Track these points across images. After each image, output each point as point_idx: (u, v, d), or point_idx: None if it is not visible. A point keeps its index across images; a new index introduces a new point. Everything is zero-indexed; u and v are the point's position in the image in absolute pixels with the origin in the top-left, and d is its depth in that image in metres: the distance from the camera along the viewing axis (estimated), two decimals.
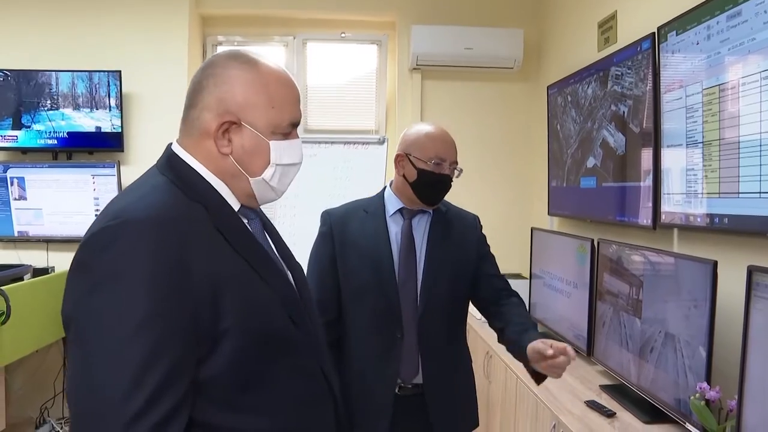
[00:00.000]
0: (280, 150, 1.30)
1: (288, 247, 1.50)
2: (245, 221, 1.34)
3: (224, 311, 1.14)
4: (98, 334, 1.05)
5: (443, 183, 2.22)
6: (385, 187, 2.39)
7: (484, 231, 2.45)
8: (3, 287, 3.13)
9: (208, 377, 1.14)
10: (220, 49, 5.07)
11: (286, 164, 1.32)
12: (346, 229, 2.28)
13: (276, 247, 1.44)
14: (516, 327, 2.13)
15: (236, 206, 1.32)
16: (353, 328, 2.24)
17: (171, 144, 1.34)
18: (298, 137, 1.37)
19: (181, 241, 1.12)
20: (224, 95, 1.26)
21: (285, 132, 1.32)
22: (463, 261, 2.29)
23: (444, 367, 2.24)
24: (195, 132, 1.29)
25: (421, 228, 2.28)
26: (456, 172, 2.24)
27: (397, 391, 2.20)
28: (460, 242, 2.29)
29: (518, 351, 2.06)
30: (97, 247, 1.09)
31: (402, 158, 2.26)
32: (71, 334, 1.09)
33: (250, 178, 1.30)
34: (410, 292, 2.20)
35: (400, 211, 2.29)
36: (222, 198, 1.29)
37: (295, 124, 1.35)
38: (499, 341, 2.26)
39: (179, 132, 1.33)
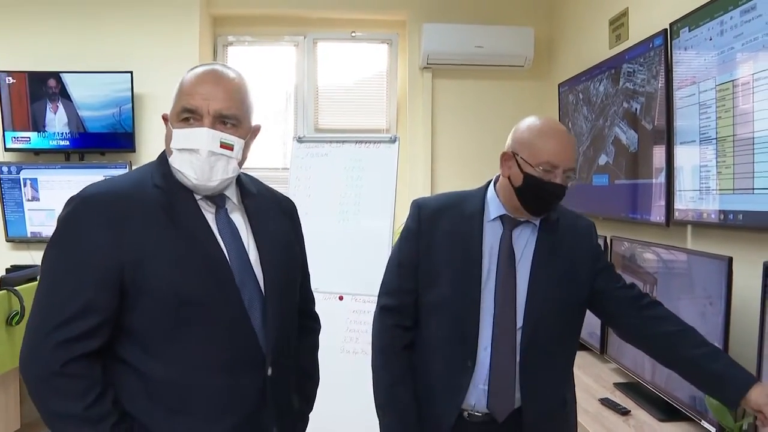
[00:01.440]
0: (175, 136, 1.50)
1: (278, 232, 1.66)
2: (209, 208, 1.54)
3: (148, 273, 1.42)
4: (45, 275, 1.45)
5: (554, 194, 1.80)
6: (488, 184, 1.99)
7: None
8: (17, 287, 3.14)
9: (135, 325, 1.44)
10: (231, 50, 5.11)
11: (180, 149, 1.48)
12: (436, 228, 1.91)
13: (258, 238, 1.59)
14: (699, 350, 1.80)
15: (198, 194, 1.53)
16: (423, 342, 1.92)
17: None
18: (204, 126, 1.48)
19: (120, 214, 1.43)
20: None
21: (182, 119, 1.49)
22: (574, 284, 1.88)
23: (552, 399, 1.89)
24: None
25: (523, 241, 1.88)
26: (570, 181, 1.82)
27: (466, 416, 1.87)
28: (571, 261, 1.88)
29: (717, 385, 1.78)
30: (64, 209, 1.46)
31: (509, 158, 1.85)
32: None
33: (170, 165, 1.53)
34: (506, 320, 1.83)
35: (501, 218, 1.89)
36: (183, 186, 1.52)
37: (189, 110, 1.48)
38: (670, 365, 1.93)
39: None
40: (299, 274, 1.76)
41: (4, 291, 3.08)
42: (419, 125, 4.88)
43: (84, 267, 1.41)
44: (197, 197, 1.53)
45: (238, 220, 1.59)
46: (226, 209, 1.57)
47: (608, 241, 3.23)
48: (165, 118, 1.55)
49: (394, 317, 1.94)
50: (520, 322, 1.83)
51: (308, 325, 1.88)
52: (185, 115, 1.49)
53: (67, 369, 1.37)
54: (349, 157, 4.12)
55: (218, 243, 1.51)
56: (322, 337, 3.87)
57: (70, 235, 1.44)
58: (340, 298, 3.74)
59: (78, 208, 1.45)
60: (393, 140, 4.09)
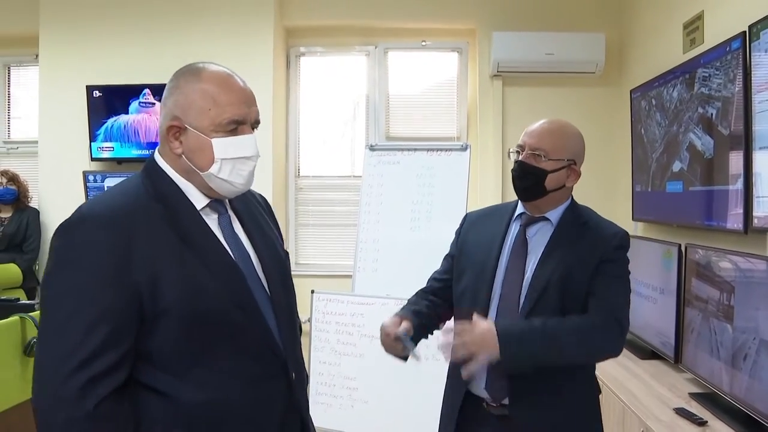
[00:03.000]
0: (223, 146, 1.45)
1: (267, 232, 1.66)
2: (211, 215, 1.52)
3: (162, 294, 1.34)
4: (52, 306, 1.33)
5: (518, 171, 1.98)
6: None
7: None
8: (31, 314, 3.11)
9: (155, 348, 1.37)
10: (303, 60, 5.22)
11: (232, 158, 1.47)
12: (471, 233, 2.15)
13: (250, 234, 1.59)
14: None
15: (201, 203, 1.50)
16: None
17: (153, 153, 1.55)
18: (249, 132, 1.50)
19: (127, 235, 1.34)
20: (172, 104, 1.47)
21: (228, 129, 1.46)
22: (576, 280, 1.91)
23: (541, 397, 1.91)
24: (161, 139, 1.51)
25: (540, 237, 2.00)
26: (543, 161, 1.94)
27: (485, 407, 1.98)
28: (581, 257, 1.92)
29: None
30: (59, 237, 1.36)
31: None
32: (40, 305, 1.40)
33: (200, 173, 1.47)
34: (510, 304, 1.95)
35: (520, 215, 2.07)
36: (183, 196, 1.48)
37: (238, 122, 1.47)
38: None
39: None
40: (289, 269, 1.75)
41: (17, 317, 2.96)
42: (489, 133, 4.88)
43: (97, 295, 1.31)
44: (198, 207, 1.50)
45: (235, 224, 1.59)
46: (228, 215, 1.56)
47: (683, 248, 3.18)
48: (179, 127, 1.47)
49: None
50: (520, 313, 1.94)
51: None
52: (233, 126, 1.47)
53: (100, 411, 1.28)
54: (420, 164, 4.17)
55: (227, 250, 1.49)
56: None
57: (74, 261, 1.34)
58: None
59: (77, 231, 1.36)
60: (464, 148, 4.12)
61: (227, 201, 1.58)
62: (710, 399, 2.73)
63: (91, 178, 4.86)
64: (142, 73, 4.84)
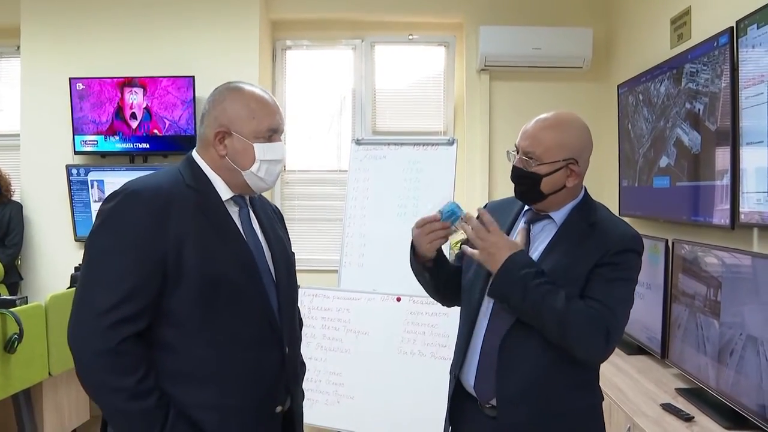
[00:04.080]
0: (263, 150, 1.76)
1: (279, 233, 1.92)
2: (233, 207, 1.78)
3: (186, 258, 1.61)
4: (92, 260, 1.62)
5: (513, 176, 1.90)
6: None
7: None
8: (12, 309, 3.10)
9: (173, 307, 1.62)
10: (289, 54, 5.19)
11: (269, 160, 1.77)
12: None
13: (265, 231, 1.85)
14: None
15: (226, 195, 1.76)
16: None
17: (191, 151, 1.82)
18: (280, 140, 1.81)
19: (163, 208, 1.62)
20: (219, 114, 1.76)
21: (266, 136, 1.76)
22: (573, 282, 1.79)
23: (530, 403, 1.81)
24: (203, 142, 1.80)
25: (544, 235, 1.91)
26: (535, 165, 1.83)
27: (479, 405, 1.89)
28: (581, 258, 1.81)
29: None
30: (108, 202, 1.64)
31: None
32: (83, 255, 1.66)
33: (242, 172, 1.76)
34: (505, 306, 1.85)
35: (525, 212, 1.98)
36: (212, 187, 1.75)
37: (274, 130, 1.78)
38: None
39: (197, 142, 1.82)
40: (295, 271, 1.97)
41: None
42: (476, 128, 4.87)
43: (132, 253, 1.58)
44: (223, 198, 1.76)
45: (253, 219, 1.84)
46: (248, 209, 1.83)
47: (670, 244, 3.18)
48: (226, 132, 1.75)
49: None
50: None
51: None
52: (270, 133, 1.77)
53: (120, 347, 1.55)
54: (407, 159, 4.15)
55: (243, 236, 1.76)
56: (380, 338, 3.93)
57: (119, 224, 1.61)
58: (398, 300, 3.76)
59: (125, 201, 1.62)
60: (451, 142, 4.11)
61: (248, 200, 1.85)
62: (697, 394, 2.73)
63: (74, 171, 4.81)
64: (126, 65, 4.80)
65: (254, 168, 1.75)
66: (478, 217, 1.83)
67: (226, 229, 1.73)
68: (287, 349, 1.79)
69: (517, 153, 1.89)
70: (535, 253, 1.88)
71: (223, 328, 1.66)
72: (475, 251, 1.81)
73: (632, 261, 1.83)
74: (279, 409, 1.79)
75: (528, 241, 1.91)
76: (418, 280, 2.07)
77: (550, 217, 1.90)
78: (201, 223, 1.67)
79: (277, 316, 1.77)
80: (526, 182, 1.86)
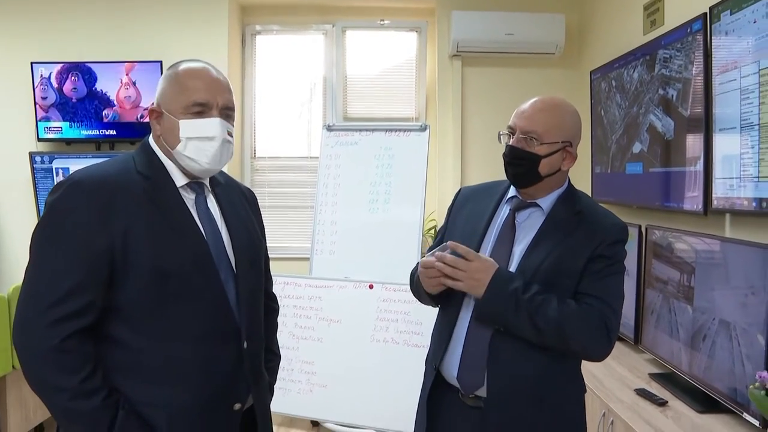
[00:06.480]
0: (188, 126, 1.64)
1: (244, 219, 1.83)
2: (189, 194, 1.70)
3: (134, 250, 1.55)
4: (34, 255, 1.56)
5: (510, 157, 1.84)
6: None
7: None
8: None
9: (122, 301, 1.56)
10: (259, 39, 5.11)
11: (195, 137, 1.64)
12: (464, 209, 2.00)
13: (226, 218, 1.76)
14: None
15: (180, 182, 1.69)
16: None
17: (147, 137, 1.75)
18: (215, 117, 1.66)
19: (107, 199, 1.55)
20: (157, 93, 1.70)
21: (193, 112, 1.64)
22: (564, 273, 1.78)
23: (518, 392, 1.79)
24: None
25: (530, 223, 1.87)
26: (536, 146, 1.80)
27: (460, 396, 1.86)
28: (572, 250, 1.78)
29: None
30: (51, 196, 1.58)
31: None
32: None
33: (172, 151, 1.67)
34: None
35: (510, 198, 1.92)
36: (167, 173, 1.68)
37: (202, 104, 1.65)
38: None
39: None
40: (263, 258, 1.92)
41: None
42: (448, 114, 4.84)
43: (75, 248, 1.53)
44: (178, 185, 1.68)
45: (212, 206, 1.75)
46: (205, 196, 1.74)
47: (643, 230, 3.18)
48: (156, 111, 1.69)
49: None
50: None
51: (269, 305, 2.00)
52: (197, 108, 1.65)
53: (64, 345, 1.49)
54: (379, 145, 4.11)
55: (197, 225, 1.67)
56: (352, 326, 3.89)
57: (62, 218, 1.55)
58: (370, 287, 3.73)
59: (67, 193, 1.56)
60: (423, 128, 4.07)
61: (208, 186, 1.76)
62: (669, 379, 2.75)
63: (38, 159, 4.67)
64: (89, 50, 4.68)
65: (180, 147, 1.65)
66: (452, 252, 1.77)
67: (179, 218, 1.65)
68: (245, 343, 1.70)
69: (512, 134, 1.85)
70: (522, 243, 1.84)
71: (172, 322, 1.60)
72: (458, 282, 1.76)
73: (622, 252, 1.84)
74: (238, 406, 1.70)
75: (513, 229, 1.87)
76: (416, 297, 2.05)
77: (536, 205, 1.87)
78: (150, 213, 1.60)
79: (234, 309, 1.69)
80: (524, 163, 1.82)
